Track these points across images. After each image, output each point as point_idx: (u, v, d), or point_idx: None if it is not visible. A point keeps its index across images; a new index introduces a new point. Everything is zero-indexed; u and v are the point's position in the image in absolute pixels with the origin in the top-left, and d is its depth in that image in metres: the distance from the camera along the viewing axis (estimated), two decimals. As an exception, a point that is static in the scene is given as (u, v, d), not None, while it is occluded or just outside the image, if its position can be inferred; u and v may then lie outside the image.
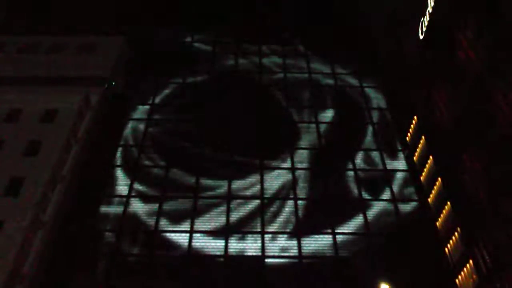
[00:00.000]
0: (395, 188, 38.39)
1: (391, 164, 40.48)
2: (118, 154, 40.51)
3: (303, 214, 36.14)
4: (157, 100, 46.00)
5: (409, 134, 41.99)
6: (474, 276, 29.58)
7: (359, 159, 40.75)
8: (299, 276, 32.38)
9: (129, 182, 37.91)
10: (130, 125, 43.19)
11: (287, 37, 54.50)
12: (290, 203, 36.90)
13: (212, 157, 40.25)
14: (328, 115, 45.24)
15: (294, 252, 33.63)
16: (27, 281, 29.72)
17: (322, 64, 50.97)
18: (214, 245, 33.94)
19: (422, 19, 38.23)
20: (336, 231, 34.84)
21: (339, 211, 36.20)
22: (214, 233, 34.65)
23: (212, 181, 38.34)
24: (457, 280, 31.58)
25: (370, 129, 43.64)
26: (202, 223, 35.34)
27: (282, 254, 33.55)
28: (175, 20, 56.23)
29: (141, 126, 43.08)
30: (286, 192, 37.87)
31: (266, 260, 33.15)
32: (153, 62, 50.22)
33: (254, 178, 38.67)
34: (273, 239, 34.43)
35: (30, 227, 31.05)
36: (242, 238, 34.47)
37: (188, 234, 34.37)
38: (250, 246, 33.99)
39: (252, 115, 44.51)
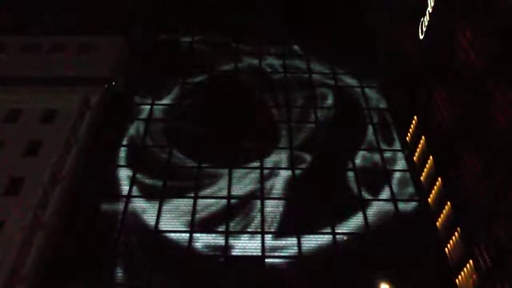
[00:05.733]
0: (395, 188, 38.39)
1: (391, 164, 40.48)
2: (119, 153, 40.47)
3: (303, 213, 36.11)
4: (156, 99, 45.98)
5: (409, 134, 42.00)
6: (474, 276, 29.59)
7: (359, 159, 40.76)
8: (299, 276, 32.37)
9: (129, 182, 37.87)
10: (129, 124, 43.16)
11: (287, 38, 54.57)
12: (290, 202, 36.92)
13: (212, 155, 40.32)
14: (328, 115, 45.26)
15: (293, 251, 33.63)
16: (27, 281, 29.71)
17: (322, 64, 51.01)
18: (214, 245, 33.93)
19: (422, 19, 38.26)
20: (336, 231, 34.85)
21: (339, 211, 36.18)
22: (214, 233, 34.61)
23: (213, 170, 38.95)
24: (457, 280, 31.58)
25: (370, 129, 43.65)
26: (203, 222, 35.35)
27: (282, 254, 33.54)
28: (175, 20, 56.32)
29: (141, 126, 43.08)
30: (285, 191, 37.90)
31: (266, 260, 33.15)
32: (153, 62, 50.25)
33: (252, 177, 38.75)
34: (273, 238, 34.42)
35: (30, 227, 31.04)
36: (242, 238, 34.49)
37: (188, 234, 34.37)
38: (250, 245, 33.99)
39: (251, 115, 44.58)
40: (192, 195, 37.10)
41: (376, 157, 41.06)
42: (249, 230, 34.98)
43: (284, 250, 33.74)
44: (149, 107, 45.05)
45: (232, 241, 34.12)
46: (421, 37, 38.53)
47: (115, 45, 48.15)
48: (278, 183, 38.44)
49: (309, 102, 46.45)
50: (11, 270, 28.74)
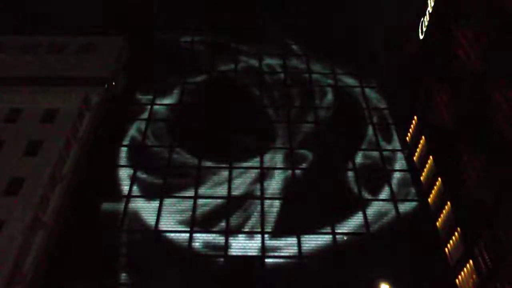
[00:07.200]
0: (395, 188, 38.38)
1: (391, 164, 40.48)
2: (119, 153, 40.50)
3: (303, 213, 36.11)
4: (156, 99, 46.03)
5: (409, 134, 42.01)
6: (474, 276, 29.60)
7: (359, 159, 40.75)
8: (299, 276, 32.37)
9: (129, 182, 37.89)
10: (130, 124, 43.20)
11: (287, 38, 54.65)
12: (288, 202, 36.93)
13: (212, 153, 40.38)
14: (327, 115, 45.26)
15: (293, 251, 33.62)
16: (27, 281, 29.72)
17: (322, 64, 51.04)
18: (214, 245, 33.92)
19: (422, 19, 38.26)
20: (336, 231, 34.84)
21: (339, 211, 36.18)
22: (214, 233, 34.61)
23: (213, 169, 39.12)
24: (457, 280, 31.59)
25: (370, 129, 43.64)
26: (201, 221, 35.36)
27: (282, 254, 33.54)
28: (174, 21, 56.39)
29: (141, 125, 43.11)
30: (282, 190, 37.91)
31: (266, 260, 33.15)
32: (153, 62, 50.30)
33: (248, 177, 38.80)
34: (273, 238, 34.41)
35: (30, 227, 31.05)
36: (241, 238, 34.48)
37: (188, 234, 34.38)
38: (250, 246, 33.98)
39: (251, 114, 44.64)
40: (192, 194, 37.08)
41: (376, 157, 41.04)
42: (245, 229, 34.96)
43: (284, 250, 33.72)
44: (149, 107, 45.10)
45: (230, 241, 34.10)
46: (421, 37, 38.52)
47: (115, 45, 48.16)
48: (274, 183, 38.44)
49: (308, 102, 46.44)
50: (11, 270, 28.74)
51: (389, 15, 47.68)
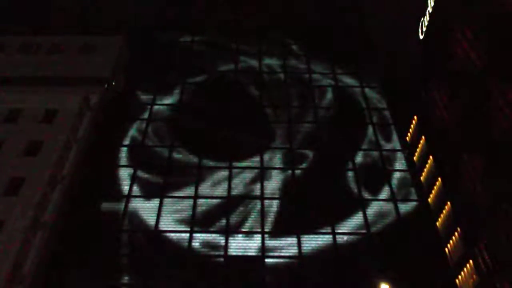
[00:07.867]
0: (395, 188, 38.37)
1: (391, 164, 40.47)
2: (119, 153, 40.51)
3: (303, 213, 36.10)
4: (156, 99, 46.04)
5: (409, 134, 42.00)
6: (474, 276, 29.60)
7: (359, 159, 40.74)
8: (299, 276, 32.36)
9: (129, 182, 37.90)
10: (130, 124, 43.20)
11: (286, 38, 54.66)
12: (287, 202, 36.92)
13: (211, 153, 40.40)
14: (328, 115, 45.25)
15: (293, 251, 33.62)
16: (27, 281, 29.72)
17: (322, 64, 51.02)
18: (214, 245, 33.92)
19: (422, 19, 38.26)
20: (336, 231, 34.83)
21: (339, 211, 36.17)
22: (214, 233, 34.60)
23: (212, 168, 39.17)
24: (457, 280, 31.58)
25: (370, 129, 43.63)
26: (203, 222, 35.34)
27: (282, 254, 33.53)
28: (174, 21, 56.41)
29: (141, 125, 43.12)
30: (283, 191, 37.90)
31: (266, 260, 33.14)
32: (153, 62, 50.32)
33: (245, 177, 38.82)
34: (272, 238, 34.40)
35: (30, 227, 31.06)
36: (241, 238, 34.48)
37: (188, 234, 34.38)
38: (250, 245, 33.97)
39: (250, 114, 44.62)
40: (192, 193, 37.07)
41: (376, 157, 41.03)
42: (245, 229, 34.93)
43: (284, 250, 33.70)
44: (149, 106, 45.11)
45: (230, 241, 34.08)
46: (421, 37, 38.53)
47: (115, 45, 48.16)
48: (274, 182, 38.42)
49: (308, 102, 46.43)
50: (11, 270, 28.74)
51: (389, 15, 47.67)
